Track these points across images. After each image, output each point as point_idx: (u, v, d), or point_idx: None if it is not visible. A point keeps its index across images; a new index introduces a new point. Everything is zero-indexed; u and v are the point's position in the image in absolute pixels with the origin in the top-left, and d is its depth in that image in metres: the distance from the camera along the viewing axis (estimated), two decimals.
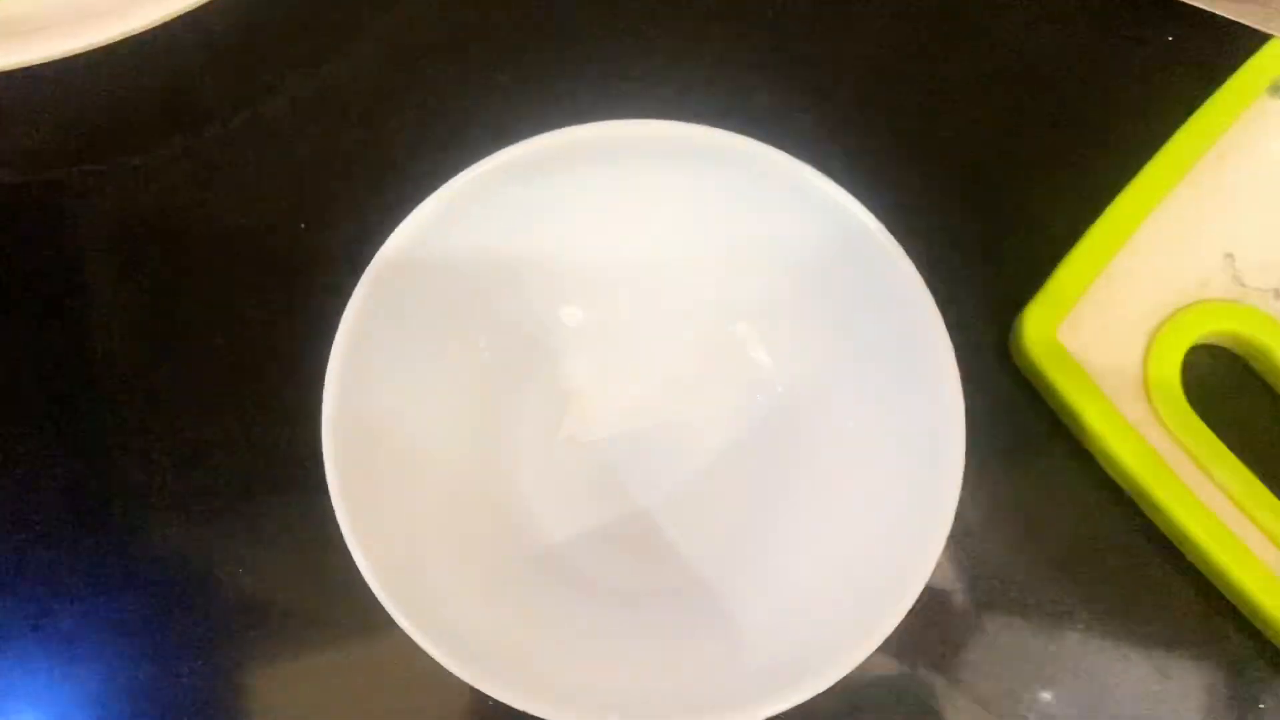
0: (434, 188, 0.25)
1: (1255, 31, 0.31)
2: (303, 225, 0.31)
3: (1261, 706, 0.27)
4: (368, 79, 0.33)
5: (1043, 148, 0.32)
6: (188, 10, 0.30)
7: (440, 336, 0.27)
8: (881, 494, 0.24)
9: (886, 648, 0.22)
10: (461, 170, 0.25)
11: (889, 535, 0.23)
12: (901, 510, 0.24)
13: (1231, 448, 0.27)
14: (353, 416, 0.24)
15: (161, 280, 0.31)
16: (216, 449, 0.29)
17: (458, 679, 0.22)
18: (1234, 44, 0.31)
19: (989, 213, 0.31)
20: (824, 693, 0.22)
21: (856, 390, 0.26)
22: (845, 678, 0.22)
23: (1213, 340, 0.28)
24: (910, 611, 0.22)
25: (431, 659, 0.22)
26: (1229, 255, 0.28)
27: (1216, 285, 0.28)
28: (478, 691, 0.22)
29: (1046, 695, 0.27)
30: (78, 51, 0.30)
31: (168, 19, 0.30)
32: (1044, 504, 0.28)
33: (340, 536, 0.23)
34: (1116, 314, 0.28)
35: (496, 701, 0.22)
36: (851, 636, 0.22)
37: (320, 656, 0.28)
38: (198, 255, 0.31)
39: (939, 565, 0.23)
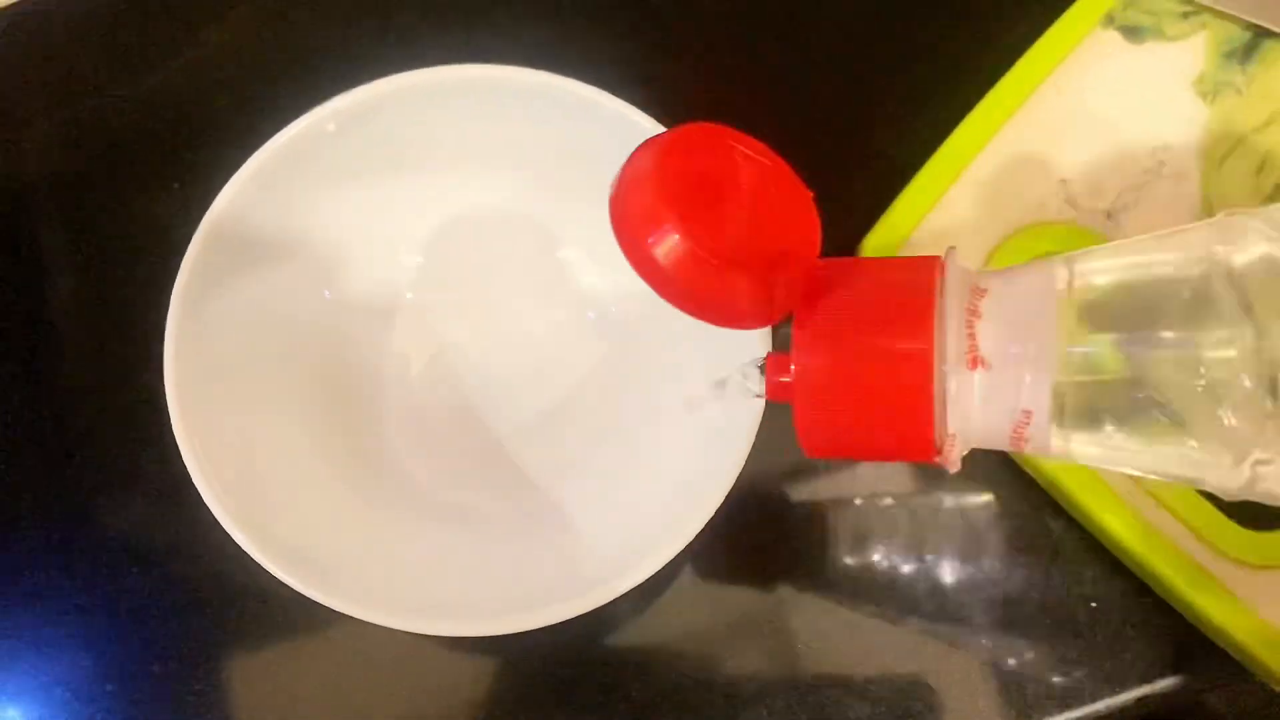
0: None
1: None
2: (176, 185, 0.32)
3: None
4: (229, 42, 0.34)
5: (888, 81, 0.33)
6: None
7: (282, 286, 0.27)
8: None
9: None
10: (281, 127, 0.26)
11: (699, 449, 0.25)
12: (711, 427, 0.25)
13: None
14: (193, 360, 0.25)
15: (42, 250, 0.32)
16: (83, 397, 0.31)
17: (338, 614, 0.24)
18: None
19: (834, 148, 0.31)
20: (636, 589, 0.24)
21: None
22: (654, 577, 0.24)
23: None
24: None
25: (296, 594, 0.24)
26: (1063, 180, 0.29)
27: (1051, 208, 0.29)
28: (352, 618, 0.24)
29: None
30: None
31: None
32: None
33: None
34: (955, 239, 0.29)
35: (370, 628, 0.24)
36: (661, 540, 0.23)
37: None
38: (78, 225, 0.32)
39: None
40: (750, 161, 0.20)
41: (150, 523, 0.30)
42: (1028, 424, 0.18)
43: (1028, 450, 0.19)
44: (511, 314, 0.29)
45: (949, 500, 0.30)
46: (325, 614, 0.24)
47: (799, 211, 0.20)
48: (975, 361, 0.18)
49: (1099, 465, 0.20)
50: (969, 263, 0.20)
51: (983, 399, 0.18)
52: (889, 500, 0.30)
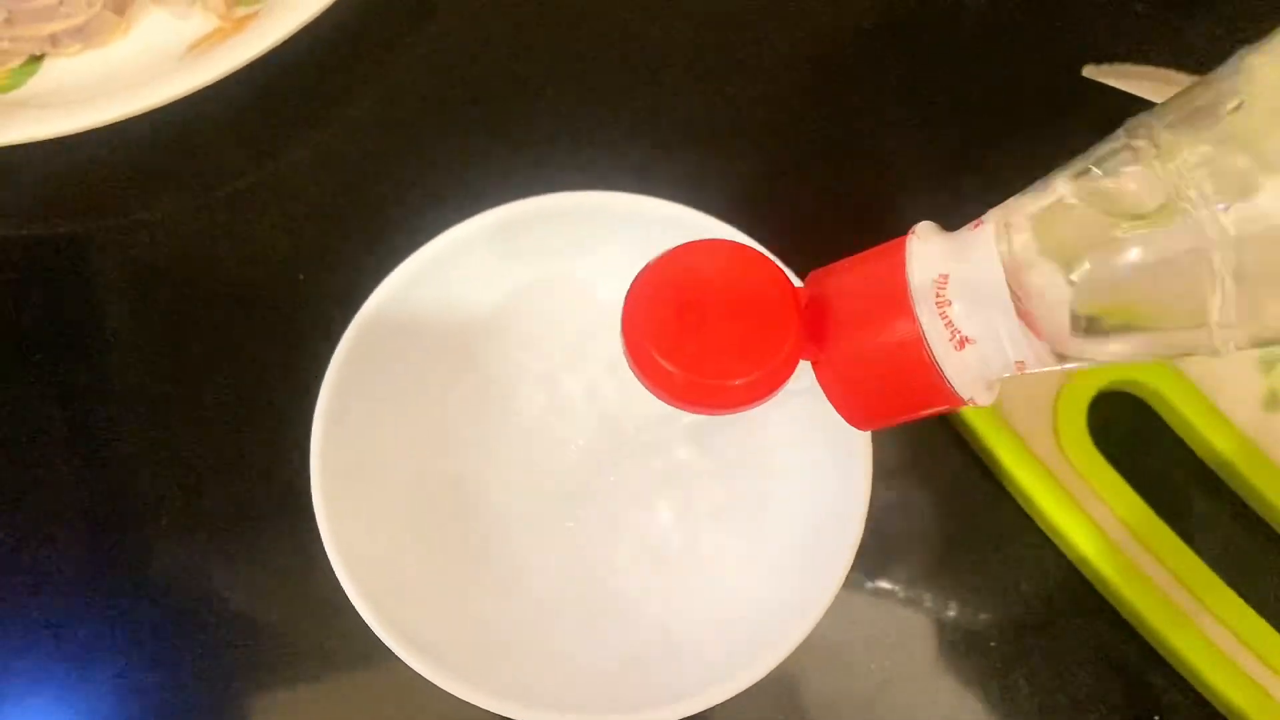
0: (416, 244, 0.29)
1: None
2: (301, 276, 0.35)
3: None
4: (359, 144, 0.37)
5: (963, 208, 0.35)
6: (200, 88, 0.34)
7: (417, 381, 0.30)
8: (798, 519, 0.28)
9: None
10: (439, 230, 0.29)
11: (801, 563, 0.27)
12: (815, 533, 0.27)
13: (1134, 485, 0.30)
14: (338, 450, 0.27)
15: (172, 324, 0.35)
16: (217, 477, 0.33)
17: (435, 688, 0.25)
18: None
19: None
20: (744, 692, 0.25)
21: (783, 430, 0.29)
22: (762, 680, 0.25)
23: (1118, 387, 0.31)
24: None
25: (406, 670, 0.25)
26: None
27: None
28: (453, 699, 0.25)
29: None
30: (100, 125, 0.34)
31: (183, 95, 0.34)
32: (960, 529, 0.31)
33: (325, 559, 0.26)
34: None
35: (469, 707, 0.25)
36: (769, 642, 0.25)
37: (307, 671, 0.31)
38: (206, 302, 0.35)
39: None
40: (725, 266, 0.22)
41: (282, 608, 0.32)
42: (1025, 368, 0.20)
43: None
44: (623, 420, 0.31)
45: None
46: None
47: (776, 290, 0.22)
48: (961, 343, 0.19)
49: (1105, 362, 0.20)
50: (928, 235, 0.21)
51: (981, 362, 0.20)
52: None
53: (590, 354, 0.32)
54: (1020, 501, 0.30)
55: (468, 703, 0.25)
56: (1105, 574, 0.29)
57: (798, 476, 0.29)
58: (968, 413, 0.30)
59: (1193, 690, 0.29)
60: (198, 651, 0.31)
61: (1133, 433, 0.31)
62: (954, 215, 0.21)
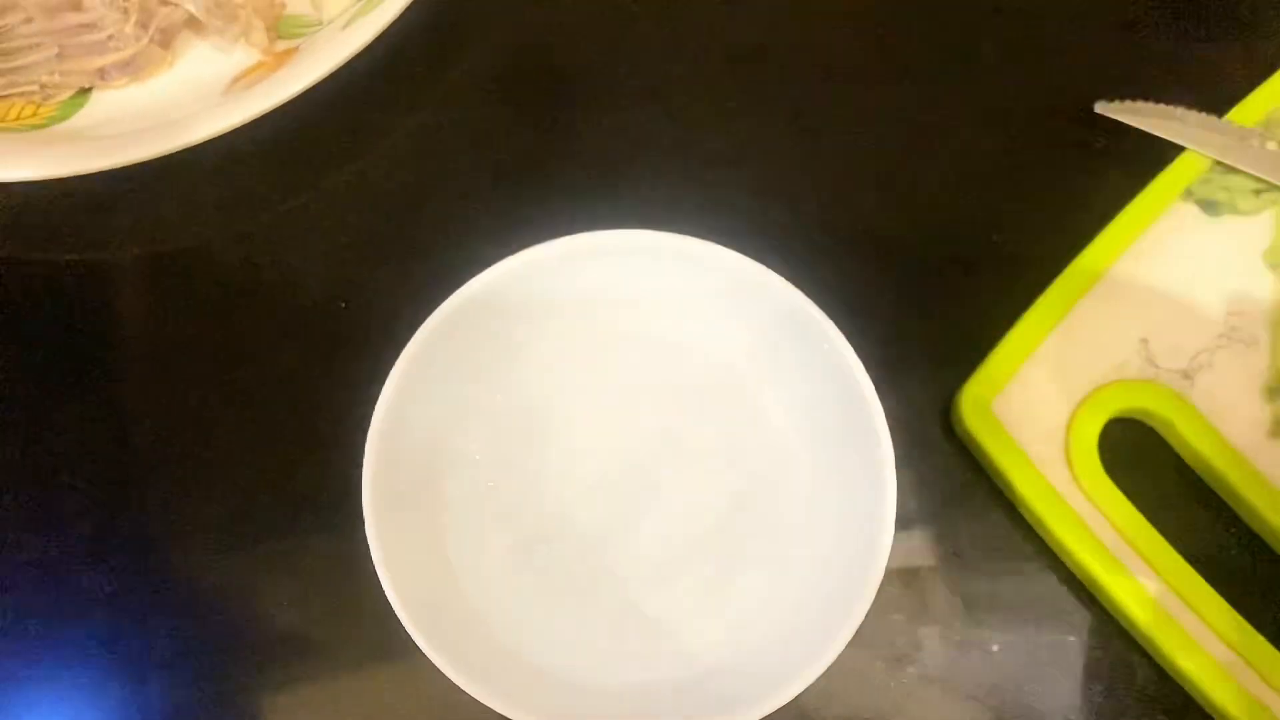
0: (456, 271, 0.30)
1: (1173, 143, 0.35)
2: (343, 304, 0.36)
3: None
4: (398, 175, 0.38)
5: (981, 246, 0.36)
6: (241, 124, 0.35)
7: (463, 402, 0.32)
8: (826, 550, 0.30)
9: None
10: (477, 259, 0.30)
11: (831, 586, 0.28)
12: (843, 563, 0.29)
13: (1141, 508, 0.31)
14: (387, 469, 0.29)
15: (219, 350, 0.36)
16: (262, 494, 0.34)
17: (476, 703, 0.27)
18: (1154, 153, 0.36)
19: (933, 304, 0.35)
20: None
21: (811, 461, 0.31)
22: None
23: (1128, 414, 0.32)
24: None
25: (450, 685, 0.27)
26: (1143, 340, 0.32)
27: (1132, 367, 0.32)
28: (487, 714, 0.27)
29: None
30: (145, 160, 0.34)
31: (224, 132, 0.35)
32: (977, 555, 0.33)
33: (371, 576, 0.27)
34: (1044, 391, 0.32)
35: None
36: (797, 668, 0.27)
37: (352, 682, 0.32)
38: (251, 328, 0.36)
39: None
40: None
41: (328, 625, 0.33)
42: None
43: None
44: (663, 445, 0.33)
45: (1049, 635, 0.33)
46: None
47: None
48: None
49: None
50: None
51: None
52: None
53: (638, 385, 0.33)
54: (1034, 525, 0.32)
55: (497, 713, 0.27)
56: (1112, 592, 0.30)
57: (825, 506, 0.31)
58: (985, 439, 0.31)
59: (1199, 709, 0.30)
60: (246, 667, 0.32)
61: (1143, 458, 0.32)
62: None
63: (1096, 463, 0.31)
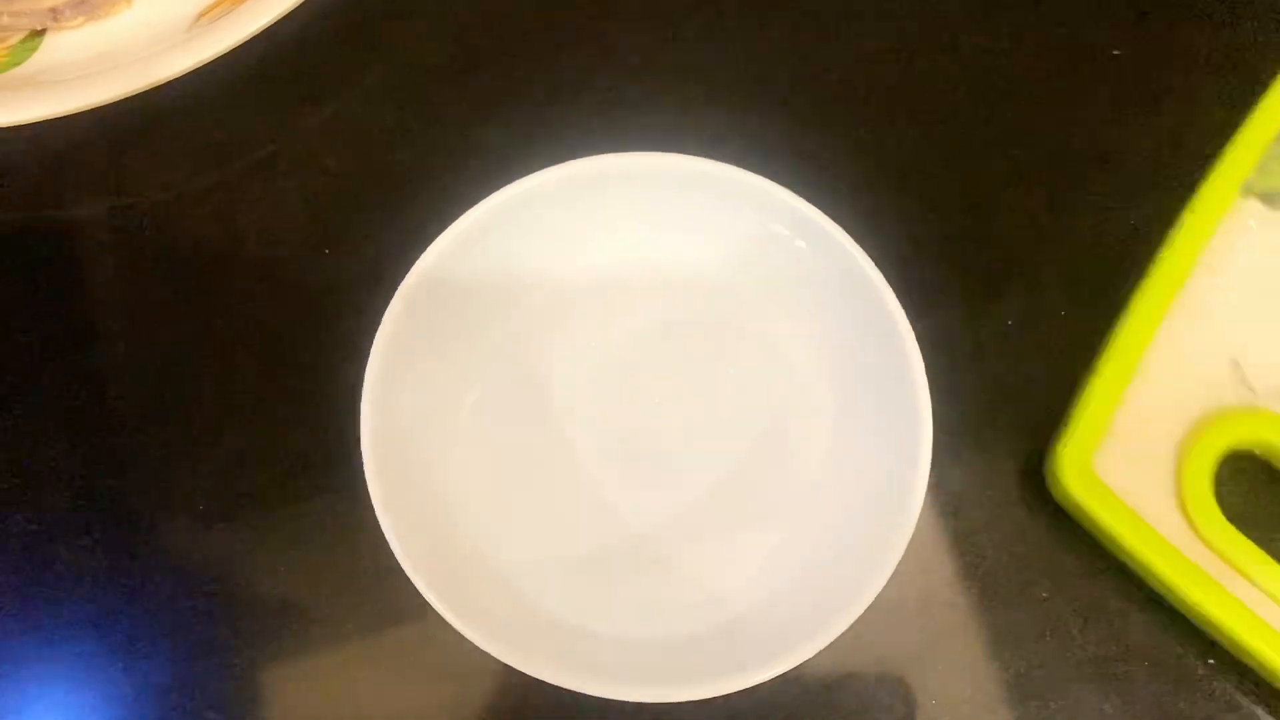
0: (442, 213, 0.28)
1: (1219, 136, 0.32)
2: (326, 251, 0.34)
3: None
4: (378, 113, 0.36)
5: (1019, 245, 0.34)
6: (211, 60, 0.32)
7: (461, 347, 0.30)
8: (856, 493, 0.28)
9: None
10: (467, 196, 0.28)
11: (863, 530, 0.27)
12: (877, 492, 0.27)
13: (1271, 552, 0.28)
14: (384, 422, 0.27)
15: (198, 304, 0.34)
16: (253, 458, 0.32)
17: (487, 661, 0.25)
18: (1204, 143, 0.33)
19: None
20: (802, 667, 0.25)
21: (840, 405, 0.30)
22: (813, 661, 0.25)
23: (1238, 449, 0.30)
24: None
25: (458, 647, 0.25)
26: (1235, 362, 0.30)
27: (1229, 393, 0.30)
28: (506, 672, 0.26)
29: None
30: (109, 102, 0.32)
31: (193, 69, 0.32)
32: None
33: (370, 535, 0.26)
34: (1141, 437, 0.29)
35: (522, 678, 0.25)
36: (826, 618, 0.25)
37: (355, 649, 0.30)
38: (230, 280, 0.34)
39: None
40: None
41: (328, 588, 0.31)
42: None
43: None
44: (678, 386, 0.31)
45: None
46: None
47: None
48: None
49: None
50: None
51: None
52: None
53: (649, 322, 0.32)
54: (1156, 588, 0.29)
55: (516, 670, 0.25)
56: (1257, 651, 0.27)
57: (853, 447, 0.29)
58: (1090, 502, 0.28)
59: None
60: (245, 638, 0.30)
61: (1261, 493, 0.30)
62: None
63: (1214, 507, 0.29)
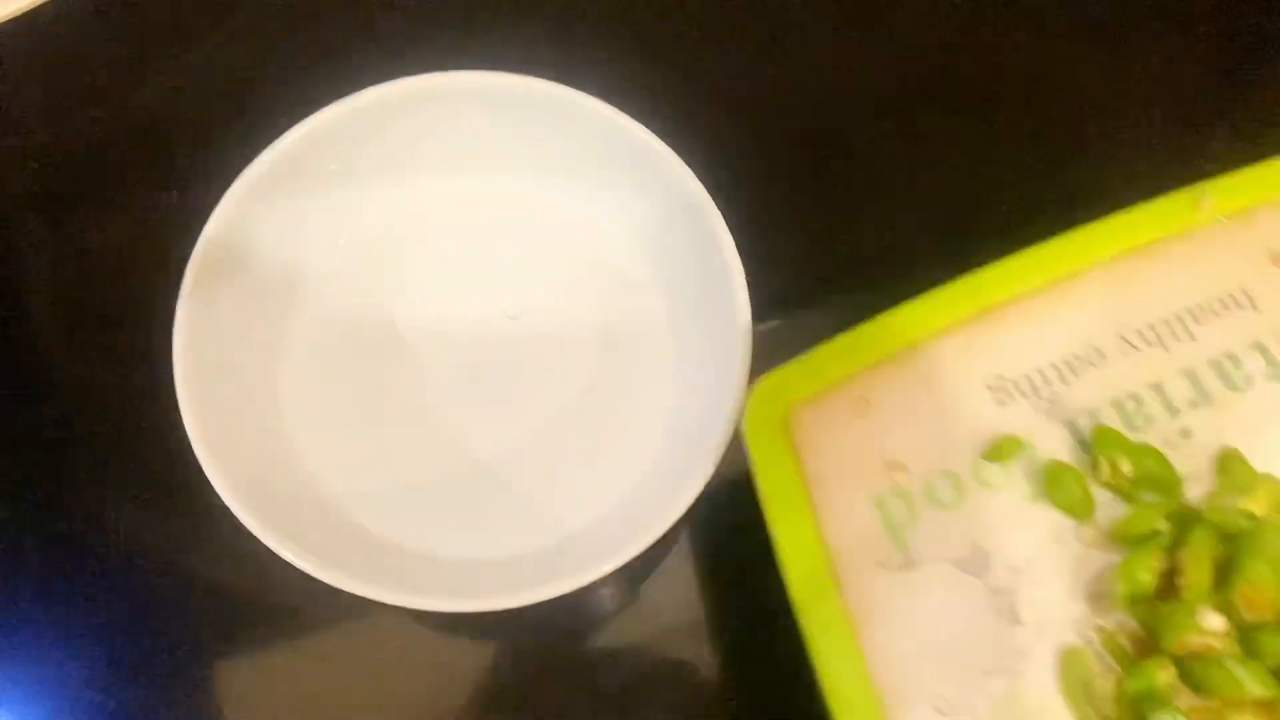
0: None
1: None
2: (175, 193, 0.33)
3: None
4: (227, 54, 0.35)
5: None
6: None
7: (301, 264, 0.30)
8: (676, 415, 0.29)
9: None
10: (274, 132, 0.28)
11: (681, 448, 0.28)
12: (694, 425, 0.28)
13: None
14: (199, 357, 0.27)
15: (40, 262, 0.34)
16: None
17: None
18: None
19: None
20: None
21: (670, 322, 0.31)
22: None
23: None
24: None
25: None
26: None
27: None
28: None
29: None
30: None
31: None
32: None
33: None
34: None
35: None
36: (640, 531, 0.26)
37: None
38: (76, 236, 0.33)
39: None
40: None
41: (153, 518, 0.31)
42: None
43: None
44: (514, 298, 0.32)
45: None
46: (309, 595, 0.26)
47: None
48: None
49: None
50: None
51: None
52: None
53: (490, 245, 0.32)
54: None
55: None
56: None
57: (683, 367, 0.30)
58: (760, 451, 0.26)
59: None
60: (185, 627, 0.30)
61: None
62: None
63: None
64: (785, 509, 0.25)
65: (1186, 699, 0.23)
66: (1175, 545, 0.24)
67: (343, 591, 0.25)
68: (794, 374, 0.26)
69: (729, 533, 0.30)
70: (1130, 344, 0.26)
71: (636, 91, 0.29)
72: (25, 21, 0.33)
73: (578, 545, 0.28)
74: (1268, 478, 0.24)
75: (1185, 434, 0.26)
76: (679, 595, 0.31)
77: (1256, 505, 0.24)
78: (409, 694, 0.30)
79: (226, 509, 0.26)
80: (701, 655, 0.31)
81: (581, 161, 0.31)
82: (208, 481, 0.26)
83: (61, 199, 0.34)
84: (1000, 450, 0.25)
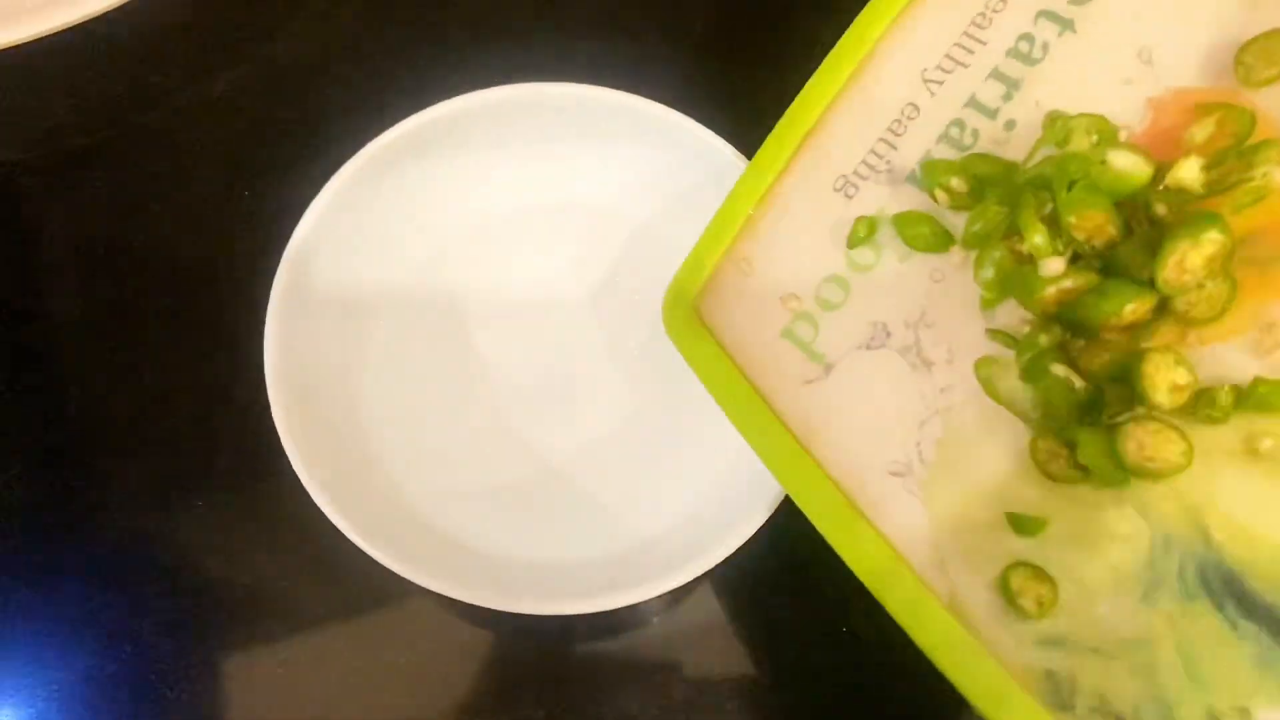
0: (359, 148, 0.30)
1: None
2: (246, 193, 0.34)
3: None
4: (294, 53, 0.36)
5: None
6: (119, 5, 0.32)
7: (367, 284, 0.32)
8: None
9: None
10: (368, 130, 0.30)
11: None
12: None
13: None
14: (293, 376, 0.28)
15: (109, 257, 0.34)
16: (179, 396, 0.33)
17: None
18: None
19: None
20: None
21: None
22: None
23: None
24: None
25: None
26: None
27: None
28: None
29: None
30: (34, 39, 0.31)
31: (110, 8, 0.31)
32: None
33: (314, 510, 0.27)
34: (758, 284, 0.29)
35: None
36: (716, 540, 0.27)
37: (313, 632, 0.31)
38: (145, 229, 0.34)
39: None
40: None
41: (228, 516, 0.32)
42: None
43: None
44: (588, 306, 0.33)
45: None
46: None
47: None
48: None
49: None
50: None
51: None
52: None
53: (562, 252, 0.33)
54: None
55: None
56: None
57: None
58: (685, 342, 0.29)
59: None
60: (204, 627, 0.31)
61: None
62: None
63: None
64: (723, 382, 0.28)
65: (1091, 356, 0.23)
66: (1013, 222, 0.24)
67: (418, 591, 0.27)
68: (686, 270, 0.30)
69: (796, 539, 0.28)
70: (935, 82, 0.27)
71: (703, 98, 0.31)
72: (103, 20, 0.32)
73: (653, 551, 0.29)
74: (1083, 116, 0.24)
75: (1010, 126, 0.26)
76: (744, 603, 0.32)
77: (1079, 145, 0.24)
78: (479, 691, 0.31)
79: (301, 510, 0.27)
80: (764, 666, 0.31)
81: (666, 178, 0.32)
82: (288, 488, 0.27)
83: (137, 201, 0.34)
84: (858, 234, 0.27)
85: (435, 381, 0.32)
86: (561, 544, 0.30)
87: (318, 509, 0.27)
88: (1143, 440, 0.21)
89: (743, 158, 0.29)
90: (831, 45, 0.28)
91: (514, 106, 0.30)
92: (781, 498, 0.27)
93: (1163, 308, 0.22)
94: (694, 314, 0.29)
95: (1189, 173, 0.22)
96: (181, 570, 0.31)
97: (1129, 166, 0.22)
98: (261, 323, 0.28)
